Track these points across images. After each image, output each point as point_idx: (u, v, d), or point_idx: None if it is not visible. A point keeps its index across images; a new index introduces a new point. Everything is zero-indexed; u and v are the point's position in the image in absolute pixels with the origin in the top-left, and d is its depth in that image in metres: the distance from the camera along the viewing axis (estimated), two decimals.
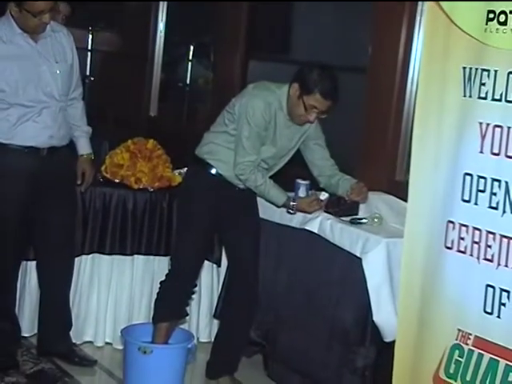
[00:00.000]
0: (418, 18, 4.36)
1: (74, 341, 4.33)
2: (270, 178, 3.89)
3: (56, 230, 4.03)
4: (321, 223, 3.85)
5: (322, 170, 3.97)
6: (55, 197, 3.98)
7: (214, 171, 3.83)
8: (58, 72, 3.88)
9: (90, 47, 7.19)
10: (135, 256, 4.39)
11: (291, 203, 3.82)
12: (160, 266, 4.38)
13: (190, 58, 6.75)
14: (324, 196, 3.92)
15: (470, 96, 3.00)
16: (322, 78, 3.65)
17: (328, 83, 3.65)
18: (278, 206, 3.86)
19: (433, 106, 3.16)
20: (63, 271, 4.16)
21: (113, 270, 4.38)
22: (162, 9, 6.77)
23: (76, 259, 4.27)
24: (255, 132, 3.72)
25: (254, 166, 3.73)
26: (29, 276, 4.32)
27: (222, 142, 3.82)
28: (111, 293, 4.40)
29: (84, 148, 4.15)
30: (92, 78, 7.07)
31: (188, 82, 6.78)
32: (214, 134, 3.87)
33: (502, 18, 2.87)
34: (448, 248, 3.09)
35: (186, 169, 4.44)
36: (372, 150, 4.58)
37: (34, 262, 4.22)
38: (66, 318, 4.24)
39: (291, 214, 3.87)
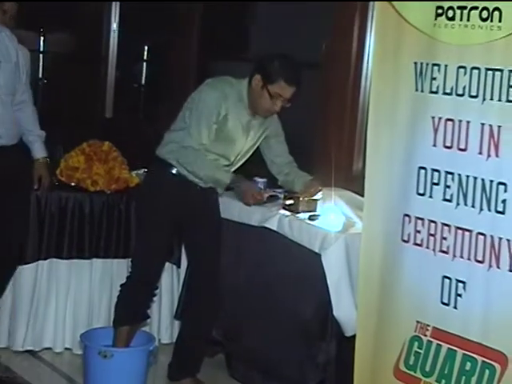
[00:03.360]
0: (370, 12, 4.43)
1: (32, 347, 4.33)
2: None
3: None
4: (279, 220, 3.91)
5: (280, 167, 4.04)
6: (3, 198, 3.97)
7: (174, 171, 3.85)
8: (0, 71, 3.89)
9: (42, 49, 7.15)
10: (93, 259, 4.39)
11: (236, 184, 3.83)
12: (119, 268, 4.40)
13: (145, 57, 6.76)
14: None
15: (422, 90, 3.08)
16: (284, 65, 3.72)
17: (291, 69, 3.72)
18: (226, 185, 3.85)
19: (386, 101, 3.23)
20: None
21: (71, 274, 4.38)
22: (115, 9, 6.77)
23: (33, 265, 4.28)
24: (206, 119, 3.74)
25: (202, 151, 3.74)
26: None
27: (183, 139, 3.82)
28: (70, 297, 4.40)
29: (39, 152, 4.17)
30: (45, 81, 7.04)
31: (143, 82, 6.79)
32: (175, 132, 3.89)
33: (450, 13, 2.96)
34: (405, 241, 3.17)
35: (143, 170, 4.49)
36: (328, 146, 4.62)
37: None
38: None
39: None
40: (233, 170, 3.95)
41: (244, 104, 3.81)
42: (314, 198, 3.97)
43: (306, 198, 3.96)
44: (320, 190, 3.98)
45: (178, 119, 3.91)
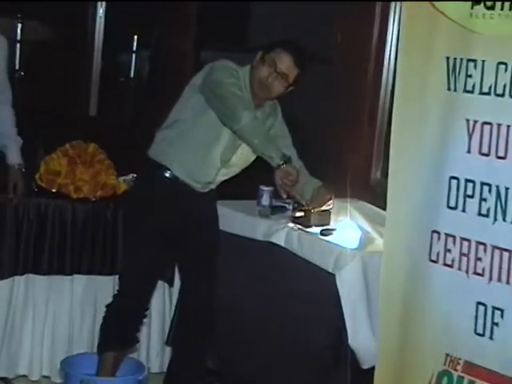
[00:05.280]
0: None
1: (6, 375, 4.28)
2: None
3: None
4: (287, 235, 3.87)
5: None
6: None
7: (168, 174, 3.81)
8: None
9: (19, 38, 7.10)
10: (75, 276, 4.34)
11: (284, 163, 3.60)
12: (104, 287, 4.35)
13: (135, 48, 6.72)
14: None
15: (455, 90, 3.05)
16: (285, 38, 3.78)
17: (291, 41, 3.78)
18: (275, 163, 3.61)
19: (413, 101, 3.20)
20: None
21: (50, 292, 4.33)
22: None
23: (7, 280, 4.23)
24: (233, 78, 3.68)
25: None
26: None
27: (176, 135, 3.79)
28: (48, 318, 4.34)
29: (15, 158, 4.20)
30: (22, 73, 6.98)
31: (132, 76, 6.75)
32: (167, 129, 3.85)
33: (489, 2, 2.92)
34: (433, 261, 3.14)
35: (131, 175, 4.46)
36: (343, 151, 4.62)
37: None
38: None
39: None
40: (233, 174, 3.92)
41: (247, 92, 3.77)
42: (324, 208, 3.91)
43: (316, 210, 3.90)
44: (330, 199, 3.92)
45: (173, 113, 3.86)
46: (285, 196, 3.73)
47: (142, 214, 3.86)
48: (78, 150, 4.45)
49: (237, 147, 3.82)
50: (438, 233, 3.12)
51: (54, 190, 4.36)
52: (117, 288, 3.99)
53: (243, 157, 3.87)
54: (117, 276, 4.11)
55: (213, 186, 3.93)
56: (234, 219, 4.08)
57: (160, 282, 4.39)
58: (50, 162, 4.40)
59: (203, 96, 3.74)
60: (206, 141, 3.78)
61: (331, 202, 3.93)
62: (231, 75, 3.71)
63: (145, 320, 4.09)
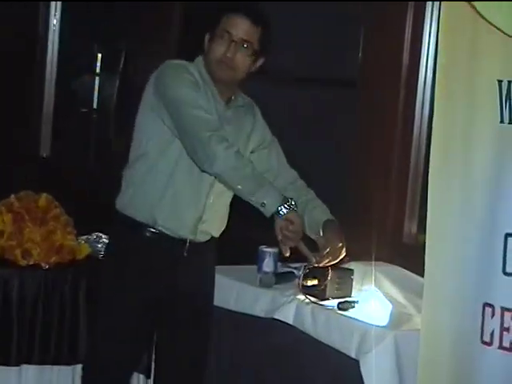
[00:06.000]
0: (429, 11, 4.46)
1: None
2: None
3: None
4: (297, 310, 3.87)
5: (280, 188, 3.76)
6: None
7: (148, 233, 3.77)
8: None
9: None
10: (23, 366, 4.32)
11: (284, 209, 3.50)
12: (61, 380, 4.36)
13: (98, 70, 6.75)
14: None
15: (511, 122, 3.05)
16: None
17: (236, 3, 3.80)
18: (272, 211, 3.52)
19: (457, 136, 3.23)
20: None
21: None
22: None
23: None
24: (191, 88, 3.67)
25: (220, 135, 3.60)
26: None
27: (142, 176, 3.76)
28: None
29: None
30: None
31: (95, 105, 6.77)
32: (132, 169, 3.83)
33: None
34: (486, 343, 3.14)
35: (96, 234, 4.48)
36: (366, 197, 4.64)
37: None
38: None
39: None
40: (224, 206, 3.87)
41: (208, 85, 3.75)
42: (340, 259, 3.80)
43: (330, 276, 3.87)
44: (343, 248, 3.77)
45: (134, 146, 3.84)
46: (287, 253, 3.60)
47: (113, 289, 3.85)
48: (26, 202, 4.47)
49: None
50: (492, 306, 3.12)
51: None
52: (79, 382, 4.00)
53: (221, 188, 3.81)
54: (78, 366, 4.12)
55: (212, 230, 3.85)
56: (227, 290, 4.08)
57: (134, 374, 4.39)
58: None
59: (158, 117, 3.71)
60: (167, 169, 3.73)
61: (344, 250, 3.79)
62: (184, 79, 3.69)
63: None
